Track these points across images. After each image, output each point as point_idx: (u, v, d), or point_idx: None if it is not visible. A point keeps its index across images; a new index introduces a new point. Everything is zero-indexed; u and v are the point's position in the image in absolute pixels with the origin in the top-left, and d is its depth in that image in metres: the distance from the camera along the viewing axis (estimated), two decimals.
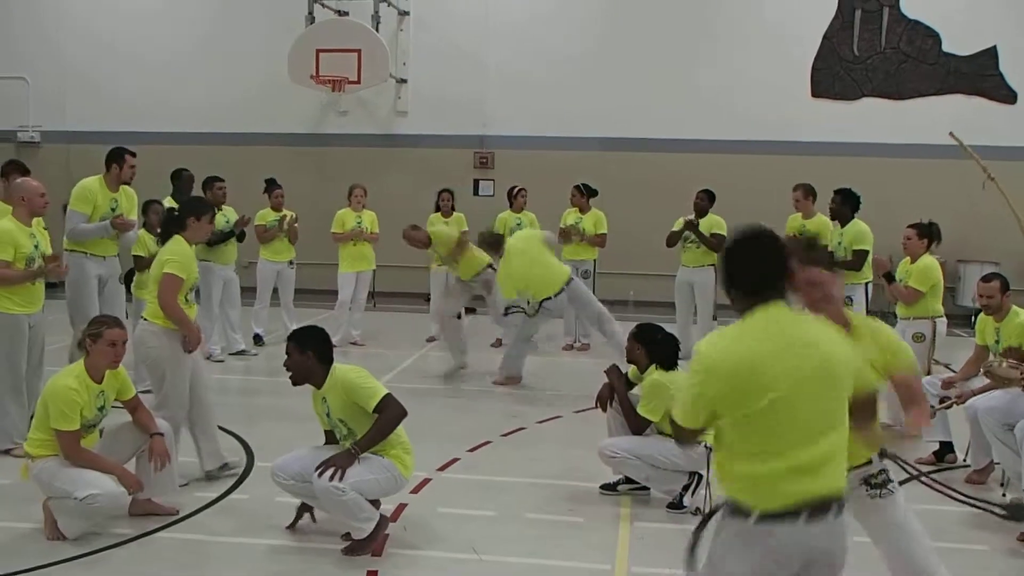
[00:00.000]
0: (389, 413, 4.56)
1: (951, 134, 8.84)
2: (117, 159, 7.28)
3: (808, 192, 8.94)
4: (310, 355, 4.63)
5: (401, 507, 5.09)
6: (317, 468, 4.48)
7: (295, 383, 4.69)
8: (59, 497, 4.62)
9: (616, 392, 5.57)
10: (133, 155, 7.35)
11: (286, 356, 4.67)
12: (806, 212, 8.93)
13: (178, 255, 5.38)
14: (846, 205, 8.10)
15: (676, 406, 2.82)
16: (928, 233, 7.08)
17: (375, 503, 4.67)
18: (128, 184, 7.41)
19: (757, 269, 2.72)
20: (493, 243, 8.56)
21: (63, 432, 4.63)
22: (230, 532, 4.88)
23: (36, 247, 6.13)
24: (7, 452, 6.01)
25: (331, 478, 4.42)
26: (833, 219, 8.24)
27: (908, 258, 7.12)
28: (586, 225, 10.09)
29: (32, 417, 5.14)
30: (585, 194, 10.17)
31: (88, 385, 4.74)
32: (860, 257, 7.90)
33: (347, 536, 4.66)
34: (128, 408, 5.02)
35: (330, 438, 4.87)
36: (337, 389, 4.60)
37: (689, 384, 2.74)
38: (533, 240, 8.45)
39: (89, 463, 4.69)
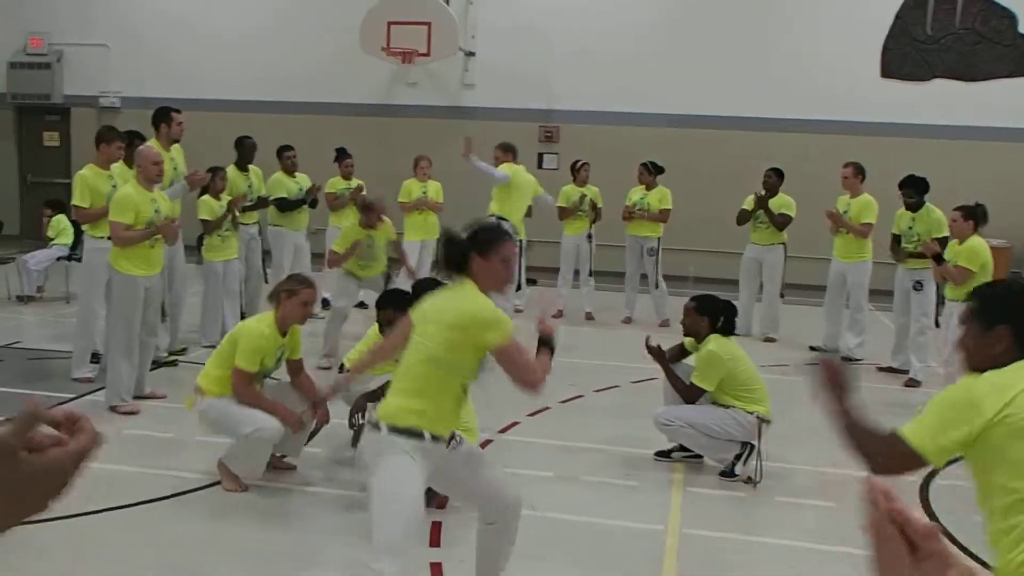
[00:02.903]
0: None
1: None
2: (164, 118, 7.43)
3: (858, 170, 8.81)
4: None
5: None
6: None
7: None
8: (222, 434, 4.99)
9: (663, 369, 5.72)
10: (179, 112, 7.53)
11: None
12: (853, 191, 8.83)
13: None
14: (917, 193, 8.03)
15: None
16: (973, 214, 7.09)
17: None
18: (177, 142, 7.57)
19: None
20: None
21: (241, 370, 4.93)
22: (307, 482, 5.19)
23: (157, 211, 6.25)
24: (113, 409, 6.21)
25: None
26: (909, 210, 8.11)
27: (956, 240, 7.14)
28: (651, 201, 10.14)
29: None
30: (652, 172, 10.21)
31: (275, 336, 5.04)
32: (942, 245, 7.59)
33: None
34: (291, 369, 5.27)
35: None
36: None
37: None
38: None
39: (255, 401, 4.97)
